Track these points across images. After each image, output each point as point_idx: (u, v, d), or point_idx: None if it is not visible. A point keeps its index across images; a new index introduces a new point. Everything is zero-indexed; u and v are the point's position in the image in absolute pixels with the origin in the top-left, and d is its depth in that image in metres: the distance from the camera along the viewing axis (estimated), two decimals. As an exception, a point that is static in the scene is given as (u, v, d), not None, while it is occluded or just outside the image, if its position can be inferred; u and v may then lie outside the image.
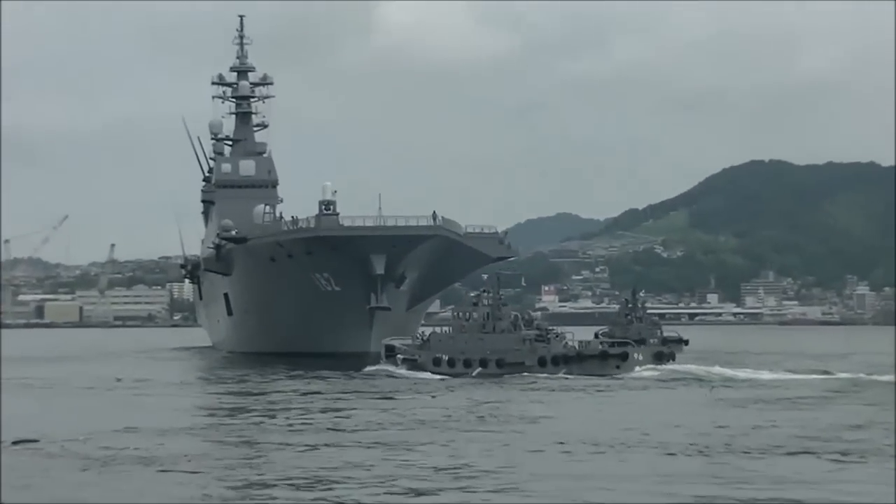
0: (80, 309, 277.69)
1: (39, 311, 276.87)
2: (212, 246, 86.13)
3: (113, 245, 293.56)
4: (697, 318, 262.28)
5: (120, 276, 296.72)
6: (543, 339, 53.49)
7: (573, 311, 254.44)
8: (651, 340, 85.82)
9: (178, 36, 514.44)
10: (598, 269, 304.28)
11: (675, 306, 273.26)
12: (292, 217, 77.44)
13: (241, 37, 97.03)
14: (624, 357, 53.28)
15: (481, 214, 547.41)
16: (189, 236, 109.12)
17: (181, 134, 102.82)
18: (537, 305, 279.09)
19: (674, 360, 55.05)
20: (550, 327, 57.04)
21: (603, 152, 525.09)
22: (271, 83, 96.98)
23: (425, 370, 52.93)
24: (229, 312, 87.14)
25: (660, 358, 54.75)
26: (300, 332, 76.09)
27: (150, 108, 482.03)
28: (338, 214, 73.33)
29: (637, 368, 53.15)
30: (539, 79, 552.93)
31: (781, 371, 54.37)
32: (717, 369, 53.59)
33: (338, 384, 49.52)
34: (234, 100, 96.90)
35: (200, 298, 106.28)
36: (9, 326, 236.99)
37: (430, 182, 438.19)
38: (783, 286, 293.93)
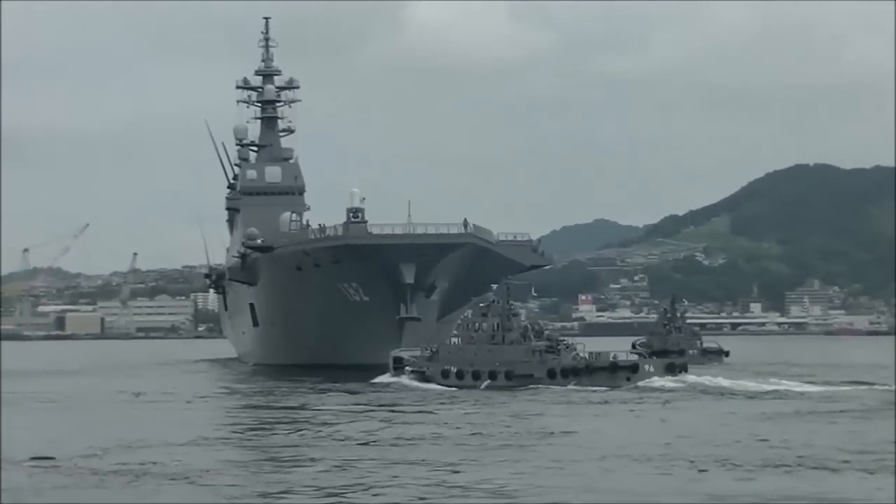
0: (102, 320, 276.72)
1: (60, 322, 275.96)
2: (237, 255, 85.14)
3: (135, 254, 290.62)
4: (740, 328, 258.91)
5: (142, 285, 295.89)
6: (553, 351, 52.86)
7: (611, 321, 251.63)
8: (690, 351, 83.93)
9: (193, 36, 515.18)
10: (636, 278, 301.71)
11: (716, 316, 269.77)
12: (319, 225, 76.95)
13: (267, 39, 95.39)
14: (634, 369, 52.52)
15: (516, 221, 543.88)
16: (213, 244, 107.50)
17: (203, 137, 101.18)
18: (574, 315, 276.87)
19: (686, 371, 54.13)
20: (561, 338, 56.54)
21: (641, 155, 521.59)
22: (297, 87, 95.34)
23: (434, 382, 52.45)
24: (255, 323, 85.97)
25: (671, 370, 53.76)
26: (328, 344, 75.14)
27: (170, 110, 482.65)
28: (366, 222, 72.40)
29: (656, 380, 52.10)
30: (573, 78, 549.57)
31: (813, 382, 53.38)
32: (722, 381, 52.75)
33: (363, 397, 48.80)
34: (259, 104, 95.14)
35: (226, 309, 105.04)
36: (28, 338, 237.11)
37: (461, 186, 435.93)
38: (829, 295, 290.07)
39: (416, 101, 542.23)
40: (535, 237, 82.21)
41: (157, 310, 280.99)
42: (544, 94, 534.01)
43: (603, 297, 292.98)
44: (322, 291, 73.85)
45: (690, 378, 52.43)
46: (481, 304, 54.99)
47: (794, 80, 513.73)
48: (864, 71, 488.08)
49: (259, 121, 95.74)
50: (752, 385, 51.09)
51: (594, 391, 48.79)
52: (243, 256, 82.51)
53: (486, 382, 51.39)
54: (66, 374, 78.13)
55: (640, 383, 50.89)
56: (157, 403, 48.61)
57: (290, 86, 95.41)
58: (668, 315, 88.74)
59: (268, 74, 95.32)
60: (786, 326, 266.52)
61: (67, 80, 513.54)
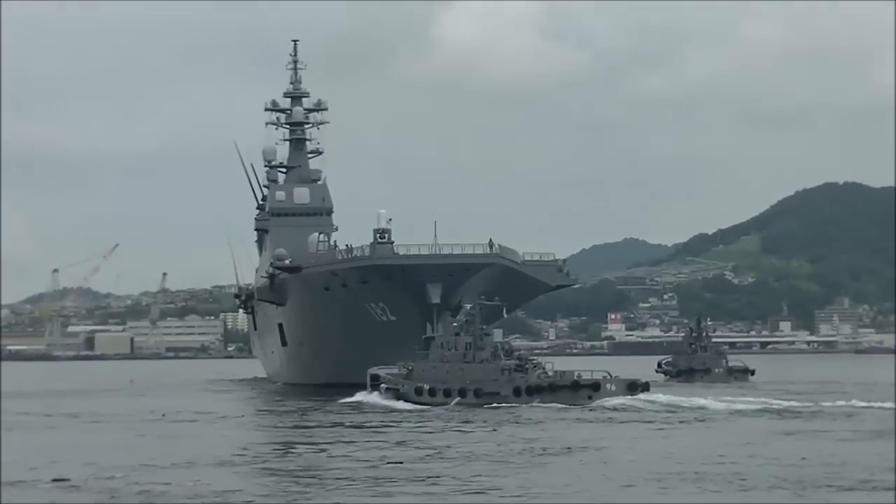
0: (132, 340, 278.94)
1: (90, 342, 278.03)
2: (265, 275, 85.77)
3: (165, 274, 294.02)
4: (770, 346, 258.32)
5: (172, 305, 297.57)
6: (522, 369, 54.52)
7: (640, 340, 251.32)
8: (716, 370, 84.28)
9: (224, 57, 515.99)
10: (666, 297, 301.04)
11: (746, 335, 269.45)
12: (346, 246, 77.85)
13: (295, 62, 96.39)
14: (595, 387, 54.15)
15: (545, 240, 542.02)
16: (243, 264, 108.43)
17: (233, 159, 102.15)
18: (603, 334, 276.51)
19: (648, 390, 55.45)
20: (531, 357, 58.75)
21: (671, 174, 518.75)
22: (326, 109, 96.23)
23: (408, 400, 54.28)
24: (284, 343, 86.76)
25: (633, 388, 55.13)
26: (355, 363, 74.72)
27: (201, 131, 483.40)
28: (392, 243, 73.18)
29: (618, 398, 53.61)
30: (603, 96, 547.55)
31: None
32: (679, 399, 53.95)
33: (384, 416, 49.38)
34: (287, 126, 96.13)
35: (255, 329, 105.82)
36: (58, 359, 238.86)
37: (490, 205, 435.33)
38: (859, 313, 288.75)
39: (445, 121, 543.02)
40: (563, 256, 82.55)
41: (187, 330, 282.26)
42: (574, 114, 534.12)
43: (632, 316, 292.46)
44: (350, 311, 74.52)
45: (652, 397, 53.70)
46: (454, 324, 56.95)
47: (824, 99, 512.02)
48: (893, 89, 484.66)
49: (287, 142, 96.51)
50: (709, 403, 51.72)
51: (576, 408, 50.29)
52: (272, 277, 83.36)
53: (456, 400, 53.13)
54: (94, 393, 78.94)
55: (603, 401, 52.31)
56: (183, 424, 49.08)
57: (319, 108, 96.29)
58: (694, 334, 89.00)
59: (296, 97, 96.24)
60: (815, 345, 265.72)
61: (97, 100, 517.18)
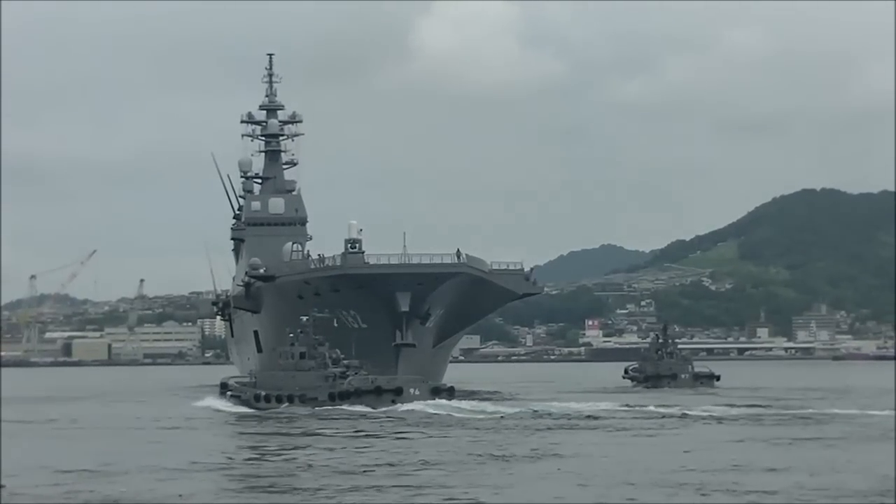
0: (109, 346, 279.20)
1: (67, 348, 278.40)
2: (241, 283, 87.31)
3: (142, 280, 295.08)
4: (747, 353, 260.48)
5: (150, 312, 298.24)
6: (345, 377, 58.72)
7: (618, 346, 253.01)
8: (682, 375, 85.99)
9: (202, 69, 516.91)
10: (643, 303, 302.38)
11: (723, 341, 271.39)
12: (319, 255, 79.47)
13: (271, 75, 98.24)
14: (398, 392, 57.51)
15: (522, 247, 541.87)
16: (220, 272, 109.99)
17: (210, 168, 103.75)
18: (581, 340, 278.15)
19: (453, 395, 58.68)
20: (358, 364, 61.79)
21: (649, 181, 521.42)
22: (300, 121, 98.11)
23: (249, 406, 59.12)
24: (259, 350, 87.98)
25: (437, 393, 58.36)
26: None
27: (179, 141, 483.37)
28: (363, 252, 74.95)
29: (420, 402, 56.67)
30: (582, 104, 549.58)
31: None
32: (488, 406, 56.51)
33: (353, 422, 50.01)
34: (263, 138, 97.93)
35: (232, 336, 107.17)
36: (35, 365, 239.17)
37: (468, 212, 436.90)
38: (836, 319, 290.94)
39: (422, 129, 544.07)
40: (541, 262, 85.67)
41: (165, 336, 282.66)
42: (553, 120, 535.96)
43: (610, 322, 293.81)
44: (322, 319, 76.10)
45: (455, 402, 56.65)
46: (291, 335, 60.68)
47: (802, 106, 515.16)
48: (873, 97, 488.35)
49: (263, 154, 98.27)
50: (508, 409, 54.34)
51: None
52: (247, 285, 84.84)
53: (285, 405, 57.28)
54: (73, 400, 79.66)
55: (405, 406, 55.50)
56: (148, 430, 49.45)
57: (293, 120, 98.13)
58: (660, 340, 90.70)
59: (271, 109, 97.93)
60: (793, 351, 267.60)
61: (77, 108, 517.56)
